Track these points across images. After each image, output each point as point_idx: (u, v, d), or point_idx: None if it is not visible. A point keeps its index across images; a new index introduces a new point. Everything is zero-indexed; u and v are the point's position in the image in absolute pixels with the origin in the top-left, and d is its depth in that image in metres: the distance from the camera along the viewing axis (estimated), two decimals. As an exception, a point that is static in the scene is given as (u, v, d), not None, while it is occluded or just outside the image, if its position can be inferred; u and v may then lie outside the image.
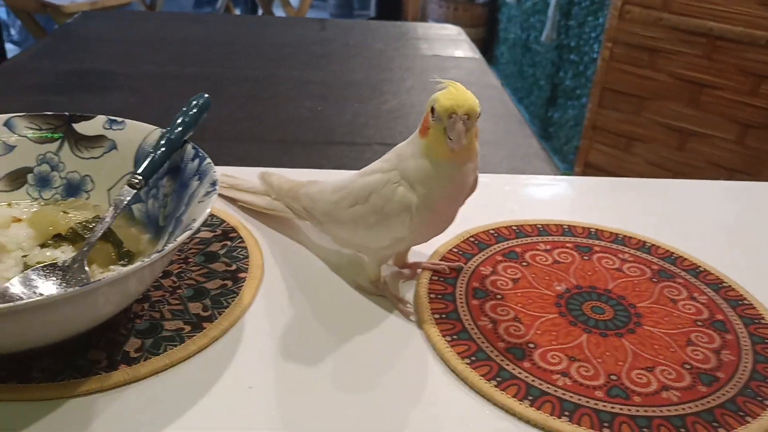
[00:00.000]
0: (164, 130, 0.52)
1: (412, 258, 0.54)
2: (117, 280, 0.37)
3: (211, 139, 0.73)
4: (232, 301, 0.48)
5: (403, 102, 0.94)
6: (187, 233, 0.40)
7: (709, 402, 0.42)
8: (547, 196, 0.69)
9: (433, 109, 0.43)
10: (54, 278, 0.43)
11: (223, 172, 0.63)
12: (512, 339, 0.46)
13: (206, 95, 0.55)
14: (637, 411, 0.41)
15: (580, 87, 2.45)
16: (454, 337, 0.46)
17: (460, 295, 0.51)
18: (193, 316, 0.46)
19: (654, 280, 0.54)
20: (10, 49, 3.18)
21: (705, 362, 0.46)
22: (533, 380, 0.43)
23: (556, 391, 0.42)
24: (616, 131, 1.91)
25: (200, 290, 0.49)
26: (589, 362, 0.45)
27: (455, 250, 0.56)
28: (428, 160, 0.44)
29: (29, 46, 3.33)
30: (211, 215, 0.58)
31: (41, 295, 0.41)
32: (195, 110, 0.53)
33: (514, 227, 0.60)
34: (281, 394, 0.41)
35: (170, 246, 0.39)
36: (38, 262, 0.45)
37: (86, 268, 0.44)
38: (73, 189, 0.54)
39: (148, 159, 0.50)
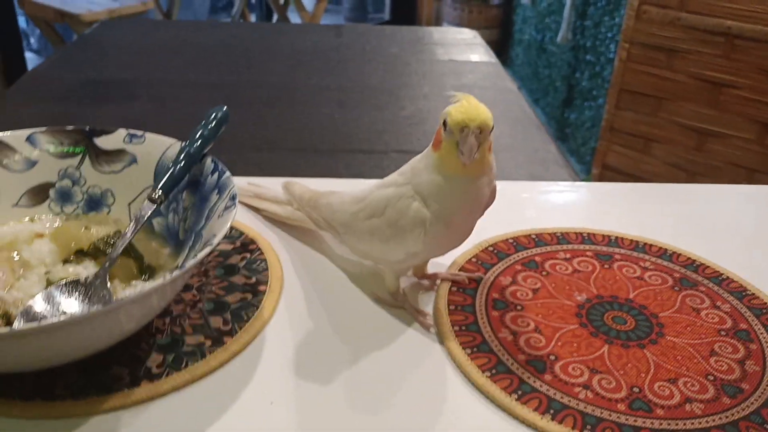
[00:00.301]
0: (183, 144, 0.52)
1: (431, 268, 0.54)
2: (138, 298, 0.38)
3: (230, 148, 0.73)
4: (253, 314, 0.48)
5: (420, 108, 0.94)
6: (207, 249, 0.41)
7: (733, 414, 0.42)
8: (565, 203, 0.69)
9: (445, 123, 0.42)
10: (76, 294, 0.43)
11: (249, 181, 0.64)
12: (533, 351, 0.46)
13: (225, 107, 0.55)
14: (660, 424, 0.41)
15: (596, 88, 2.44)
16: (475, 349, 0.46)
17: (480, 306, 0.50)
18: (213, 331, 0.47)
19: (676, 288, 0.54)
20: (30, 58, 3.21)
21: (729, 373, 0.45)
22: (554, 393, 0.43)
23: (577, 404, 0.42)
24: (633, 132, 1.89)
25: (221, 304, 0.49)
26: (611, 374, 0.44)
27: (474, 260, 0.56)
28: (441, 174, 0.44)
29: (49, 54, 3.37)
30: (231, 227, 0.58)
31: (64, 312, 0.42)
32: (213, 123, 0.53)
33: (533, 236, 0.60)
34: (302, 409, 0.41)
35: (190, 263, 0.39)
36: (61, 278, 0.45)
37: (108, 284, 0.44)
38: (95, 203, 0.55)
39: (168, 173, 0.50)
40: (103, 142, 0.55)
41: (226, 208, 0.46)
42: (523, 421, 0.41)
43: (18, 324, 0.41)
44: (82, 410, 0.40)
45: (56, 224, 0.53)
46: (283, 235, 0.59)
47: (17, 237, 0.50)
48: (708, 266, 0.57)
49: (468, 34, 1.36)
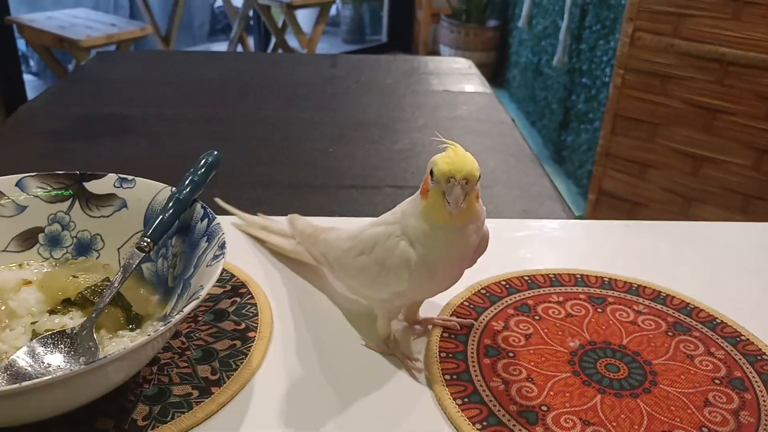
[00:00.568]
0: (173, 189, 0.52)
1: (424, 310, 0.54)
2: (123, 355, 0.37)
3: (224, 184, 0.74)
4: (241, 363, 0.48)
5: (414, 141, 0.94)
6: (194, 303, 0.40)
7: (728, 469, 0.41)
8: (559, 242, 0.69)
9: (432, 172, 0.42)
10: (62, 346, 0.43)
11: (260, 213, 0.65)
12: (525, 401, 0.46)
13: (215, 152, 0.55)
14: (654, 480, 0.40)
15: (592, 111, 2.44)
16: (465, 399, 0.45)
17: (472, 353, 0.50)
18: (201, 380, 0.46)
19: (670, 333, 0.53)
20: (29, 80, 3.23)
21: (723, 425, 0.44)
22: (546, 447, 0.42)
23: (570, 459, 0.41)
24: (629, 158, 1.90)
25: (209, 352, 0.49)
26: (603, 426, 0.44)
27: (466, 303, 0.55)
28: (428, 222, 0.44)
29: (48, 77, 3.38)
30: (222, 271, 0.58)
31: (48, 365, 0.41)
32: (204, 169, 0.53)
33: (526, 278, 0.59)
34: (290, 465, 0.41)
35: (176, 318, 0.39)
36: (47, 330, 0.45)
37: (94, 336, 0.44)
38: (84, 248, 0.54)
39: (157, 221, 0.50)
40: (94, 186, 0.55)
41: (215, 257, 0.46)
42: (514, 478, 0.40)
43: (-1, 383, 0.40)
44: (65, 469, 0.39)
45: (45, 270, 0.52)
46: (281, 273, 0.59)
47: (5, 285, 0.49)
48: (702, 309, 0.56)
49: (463, 64, 1.36)
